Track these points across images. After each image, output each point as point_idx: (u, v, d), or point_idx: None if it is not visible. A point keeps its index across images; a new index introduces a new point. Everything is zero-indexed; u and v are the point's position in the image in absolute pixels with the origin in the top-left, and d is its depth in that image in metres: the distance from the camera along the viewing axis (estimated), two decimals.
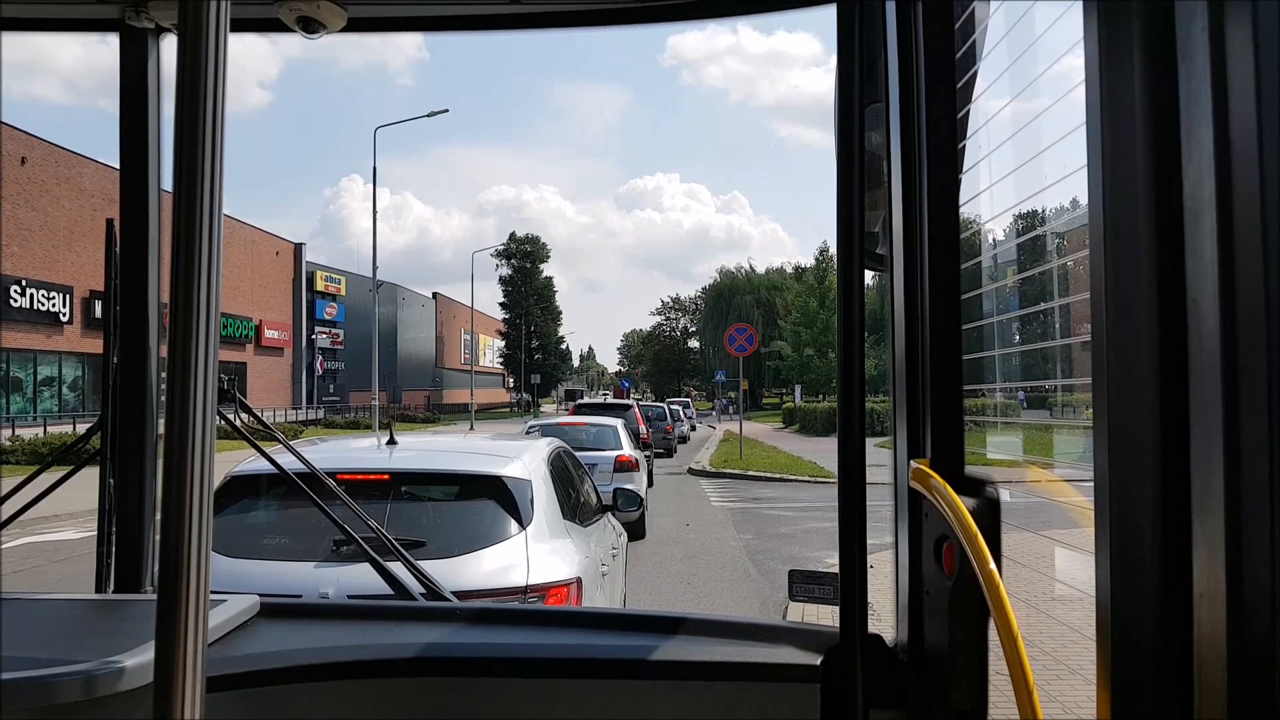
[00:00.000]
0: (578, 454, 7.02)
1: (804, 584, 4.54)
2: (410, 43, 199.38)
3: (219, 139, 0.90)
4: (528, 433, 14.94)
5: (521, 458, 5.06)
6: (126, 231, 2.17)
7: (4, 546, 11.32)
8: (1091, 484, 1.06)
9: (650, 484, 19.13)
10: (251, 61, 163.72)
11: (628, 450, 15.49)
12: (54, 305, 36.99)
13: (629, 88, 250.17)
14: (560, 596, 4.35)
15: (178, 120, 0.90)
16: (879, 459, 1.80)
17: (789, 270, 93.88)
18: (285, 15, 1.91)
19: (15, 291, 34.97)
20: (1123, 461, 1.01)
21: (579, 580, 4.55)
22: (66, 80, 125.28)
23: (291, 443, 2.88)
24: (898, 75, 1.69)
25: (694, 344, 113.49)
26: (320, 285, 62.26)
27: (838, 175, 1.70)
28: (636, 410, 26.40)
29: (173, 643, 0.87)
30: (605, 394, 79.89)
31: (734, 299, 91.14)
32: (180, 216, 0.89)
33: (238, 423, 2.47)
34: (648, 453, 22.54)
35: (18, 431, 30.34)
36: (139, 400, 2.19)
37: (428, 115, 40.65)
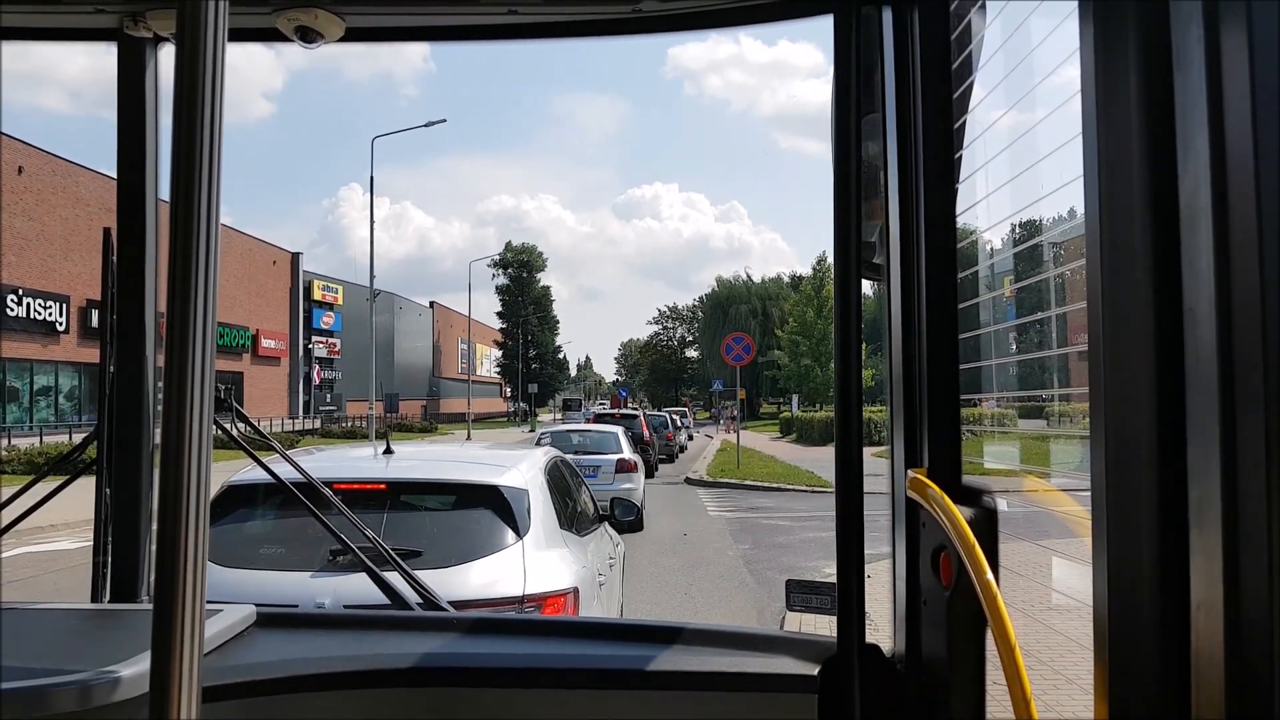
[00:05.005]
0: (583, 457, 7.03)
1: (801, 593, 4.54)
2: (416, 54, 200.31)
3: (216, 148, 0.91)
4: (539, 442, 16.82)
5: (518, 467, 5.05)
6: (124, 241, 2.17)
7: (1, 556, 11.28)
8: (1088, 493, 1.06)
9: (651, 475, 22.44)
10: (257, 73, 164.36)
11: (628, 454, 17.31)
12: (50, 314, 36.94)
13: (628, 97, 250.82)
14: (557, 606, 4.34)
15: (175, 129, 0.90)
16: (876, 468, 1.80)
17: (786, 280, 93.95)
18: (283, 25, 1.91)
19: (12, 301, 34.93)
20: (1120, 471, 1.01)
21: (576, 590, 4.53)
22: (71, 90, 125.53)
23: (288, 452, 2.87)
24: (894, 85, 1.70)
25: (691, 353, 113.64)
26: (317, 294, 62.25)
27: (835, 185, 1.70)
28: (643, 418, 29.29)
29: (169, 652, 0.87)
30: (603, 403, 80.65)
31: (730, 308, 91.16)
32: (177, 226, 0.89)
33: (234, 432, 2.47)
34: (649, 452, 25.59)
35: (14, 441, 30.33)
36: (136, 409, 2.19)
37: (425, 125, 40.90)
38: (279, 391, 56.75)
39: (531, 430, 55.10)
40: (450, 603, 2.81)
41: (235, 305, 50.27)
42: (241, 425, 2.56)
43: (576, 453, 16.06)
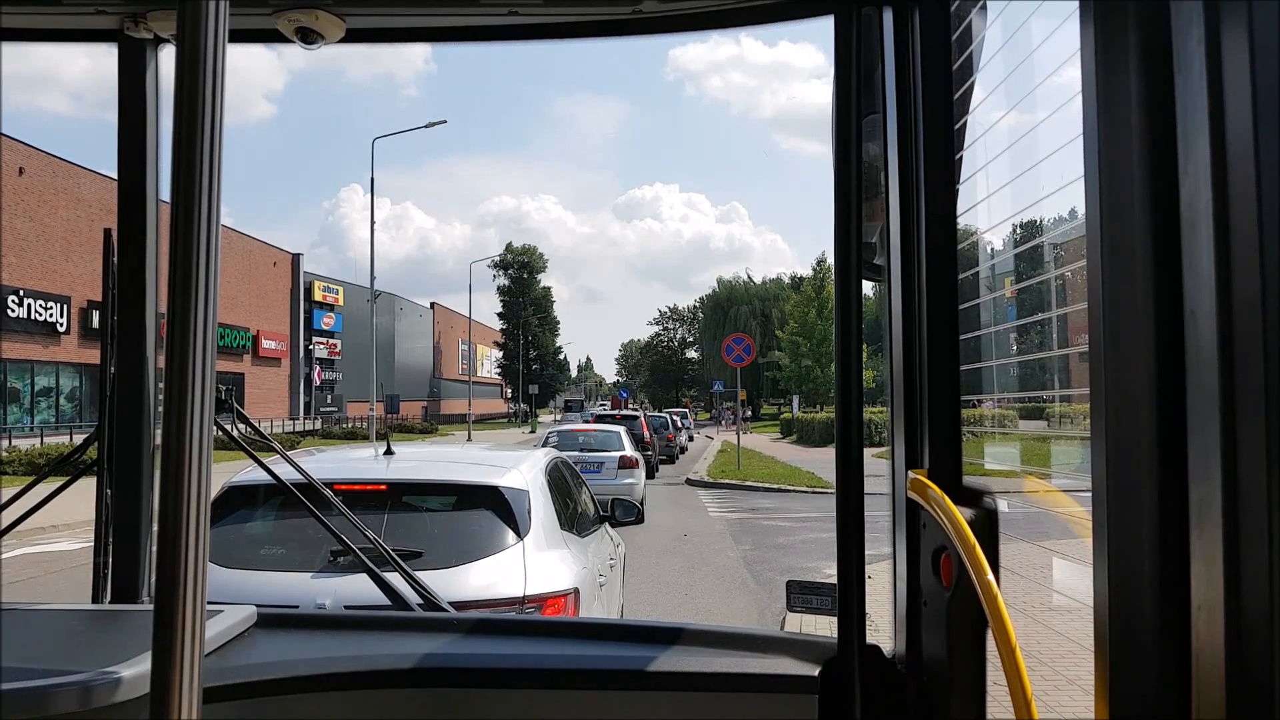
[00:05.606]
0: (588, 454, 7.07)
1: (802, 594, 4.55)
2: (417, 55, 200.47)
3: (217, 149, 0.91)
4: (545, 441, 18.59)
5: (519, 468, 5.05)
6: (125, 242, 2.18)
7: (1, 557, 11.29)
8: (1089, 494, 1.06)
9: (651, 475, 24.17)
10: (258, 74, 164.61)
11: (629, 451, 18.66)
12: (51, 315, 36.93)
13: (628, 98, 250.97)
14: (558, 607, 4.34)
15: (176, 130, 0.90)
16: (877, 469, 1.80)
17: (786, 281, 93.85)
18: (284, 26, 1.91)
19: (13, 302, 34.92)
20: (1120, 472, 1.01)
21: (576, 591, 4.54)
22: (72, 92, 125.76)
23: (289, 453, 2.87)
24: (895, 86, 1.70)
25: (692, 354, 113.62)
26: (318, 295, 62.26)
27: (835, 186, 1.70)
28: (643, 419, 29.94)
29: (169, 653, 0.87)
30: (604, 404, 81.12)
31: (731, 309, 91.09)
32: (178, 227, 0.89)
33: (235, 433, 2.47)
34: (650, 453, 26.81)
35: (15, 442, 30.31)
36: (136, 410, 2.19)
37: (425, 126, 40.96)
38: (280, 392, 56.73)
39: (532, 431, 55.09)
40: (451, 603, 2.81)
41: (236, 306, 50.27)
42: (242, 426, 2.56)
43: (582, 450, 17.13)
